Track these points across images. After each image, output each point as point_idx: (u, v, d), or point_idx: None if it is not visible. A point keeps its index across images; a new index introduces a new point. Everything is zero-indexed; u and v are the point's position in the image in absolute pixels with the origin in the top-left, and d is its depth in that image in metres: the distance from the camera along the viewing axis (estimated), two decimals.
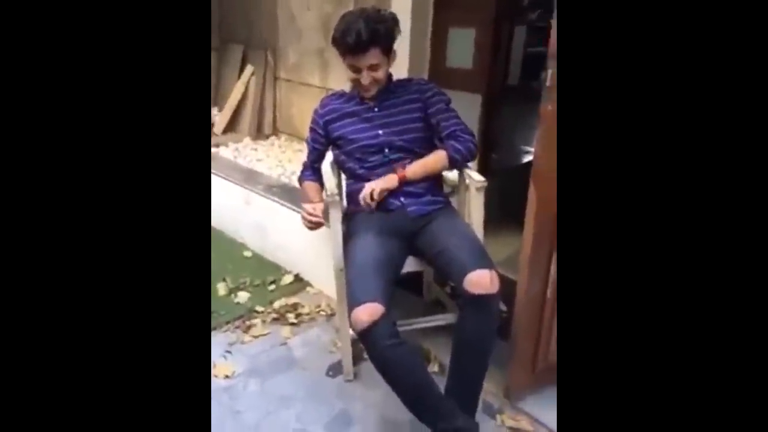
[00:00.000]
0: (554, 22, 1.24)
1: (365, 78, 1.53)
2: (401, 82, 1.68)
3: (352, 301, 1.35)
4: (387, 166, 1.57)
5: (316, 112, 1.69)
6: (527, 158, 3.77)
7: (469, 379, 1.43)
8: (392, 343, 1.32)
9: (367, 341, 1.34)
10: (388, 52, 1.55)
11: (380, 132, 1.60)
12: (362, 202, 1.45)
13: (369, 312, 1.30)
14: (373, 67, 1.52)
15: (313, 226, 1.58)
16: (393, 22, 1.53)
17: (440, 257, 1.46)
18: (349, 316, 1.34)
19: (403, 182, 1.54)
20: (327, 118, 1.66)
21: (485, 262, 1.39)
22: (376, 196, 1.45)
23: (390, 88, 1.63)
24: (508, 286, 1.53)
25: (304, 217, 1.58)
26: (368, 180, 1.58)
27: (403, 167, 1.55)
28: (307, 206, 1.59)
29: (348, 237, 1.55)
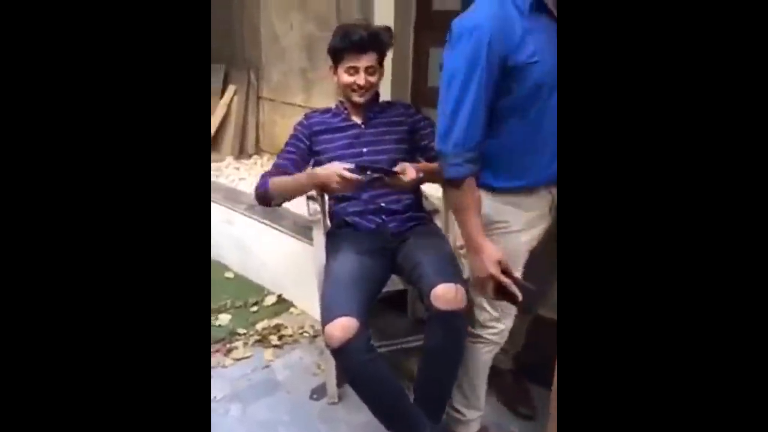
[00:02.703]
0: None
1: (361, 78, 1.55)
2: (387, 103, 1.69)
3: (326, 316, 1.32)
4: (368, 186, 1.55)
5: (300, 123, 1.65)
6: None
7: (437, 390, 1.41)
8: (368, 358, 1.30)
9: (341, 358, 1.31)
10: (382, 61, 1.60)
11: (364, 150, 1.59)
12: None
13: (342, 327, 1.28)
14: (369, 70, 1.56)
15: (345, 183, 1.38)
16: (388, 32, 1.60)
17: (413, 273, 1.45)
18: (323, 332, 1.32)
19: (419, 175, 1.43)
20: (314, 129, 1.62)
21: (452, 276, 1.36)
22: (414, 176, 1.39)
23: (377, 107, 1.64)
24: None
25: (333, 180, 1.37)
26: (350, 200, 1.57)
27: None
28: (335, 165, 1.39)
29: (328, 256, 1.54)
